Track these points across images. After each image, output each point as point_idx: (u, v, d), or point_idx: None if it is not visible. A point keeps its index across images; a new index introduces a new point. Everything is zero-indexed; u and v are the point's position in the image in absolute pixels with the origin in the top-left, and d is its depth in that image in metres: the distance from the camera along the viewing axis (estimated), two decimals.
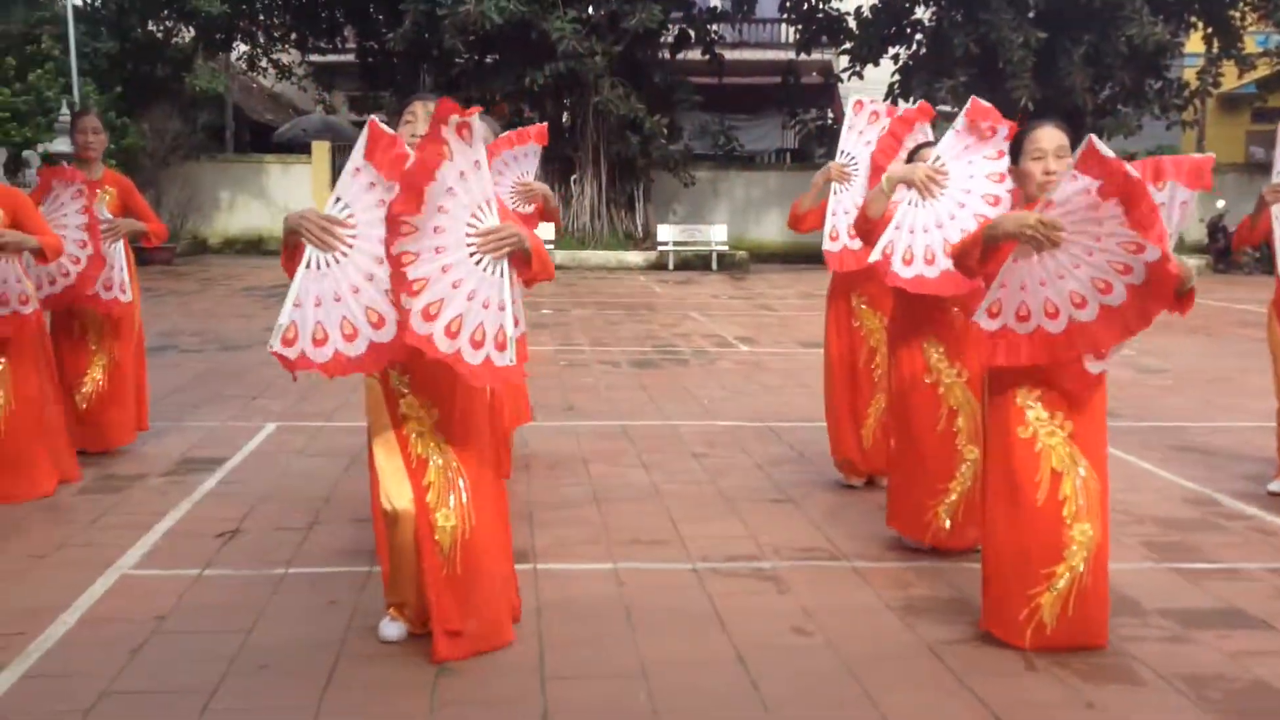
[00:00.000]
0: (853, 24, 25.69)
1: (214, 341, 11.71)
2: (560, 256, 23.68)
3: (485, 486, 3.94)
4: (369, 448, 3.94)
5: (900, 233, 4.94)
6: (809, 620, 4.25)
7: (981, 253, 3.96)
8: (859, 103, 6.25)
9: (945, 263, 4.81)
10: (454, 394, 3.88)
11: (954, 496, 4.96)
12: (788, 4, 26.35)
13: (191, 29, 26.78)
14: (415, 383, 3.87)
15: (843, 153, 6.16)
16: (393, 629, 4.00)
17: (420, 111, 3.93)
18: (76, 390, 6.62)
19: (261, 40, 29.44)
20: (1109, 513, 4.07)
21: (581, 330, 13.25)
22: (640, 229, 25.60)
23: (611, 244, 24.80)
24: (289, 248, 3.79)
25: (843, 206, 6.07)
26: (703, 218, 26.31)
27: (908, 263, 4.90)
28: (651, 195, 26.09)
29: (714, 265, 23.78)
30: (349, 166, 3.73)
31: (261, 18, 29.08)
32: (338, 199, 3.73)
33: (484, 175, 3.59)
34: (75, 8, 22.60)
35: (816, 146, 27.97)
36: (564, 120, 25.31)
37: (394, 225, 3.52)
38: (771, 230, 27.16)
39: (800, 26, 26.53)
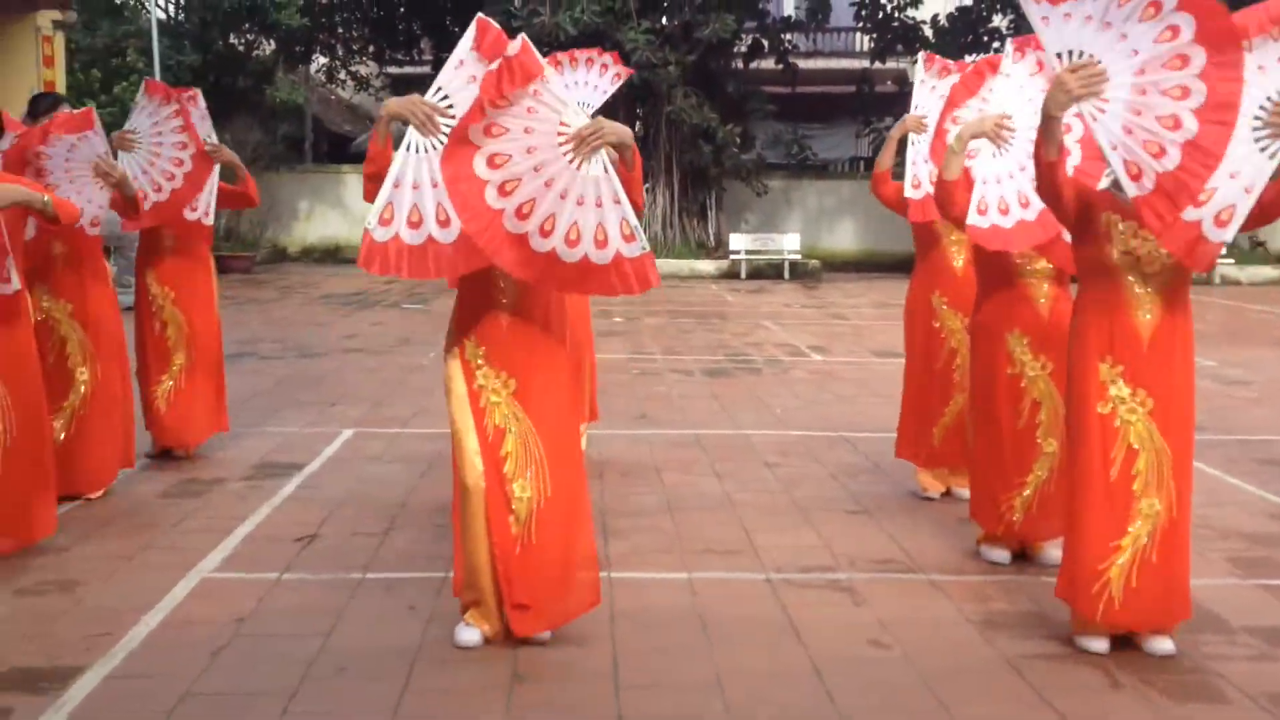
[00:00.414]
0: (929, 32, 25.49)
1: (293, 348, 11.89)
2: None
3: (563, 458, 4.01)
4: (450, 422, 4.02)
5: (987, 186, 4.84)
6: (885, 633, 4.20)
7: (1049, 143, 3.88)
8: (930, 57, 6.26)
9: (1032, 209, 4.70)
10: (532, 364, 3.97)
11: (1029, 491, 4.91)
12: (862, 13, 26.21)
13: (272, 42, 27.23)
14: (491, 354, 3.96)
15: (916, 106, 6.12)
16: (469, 634, 4.02)
17: None
18: (156, 387, 6.76)
19: (340, 53, 29.96)
20: (1189, 496, 4.03)
21: (653, 338, 13.25)
22: (712, 238, 25.57)
23: (683, 253, 24.79)
24: (382, 136, 3.94)
25: (921, 155, 6.02)
26: (775, 226, 26.20)
27: (1004, 212, 4.79)
28: (724, 204, 26.04)
29: (786, 274, 23.67)
30: (452, 59, 3.88)
31: (340, 31, 29.61)
32: (438, 89, 3.90)
33: (557, 83, 3.75)
34: (159, 21, 23.09)
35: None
36: (637, 129, 25.36)
37: (475, 118, 3.64)
38: (845, 239, 27.00)
39: (875, 35, 26.38)
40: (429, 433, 7.51)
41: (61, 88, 18.83)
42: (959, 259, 5.88)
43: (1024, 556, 5.05)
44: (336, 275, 22.40)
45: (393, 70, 31.67)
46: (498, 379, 3.97)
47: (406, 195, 3.83)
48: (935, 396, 5.96)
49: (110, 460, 5.99)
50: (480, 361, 3.97)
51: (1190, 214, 3.70)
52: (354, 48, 30.11)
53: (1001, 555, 5.03)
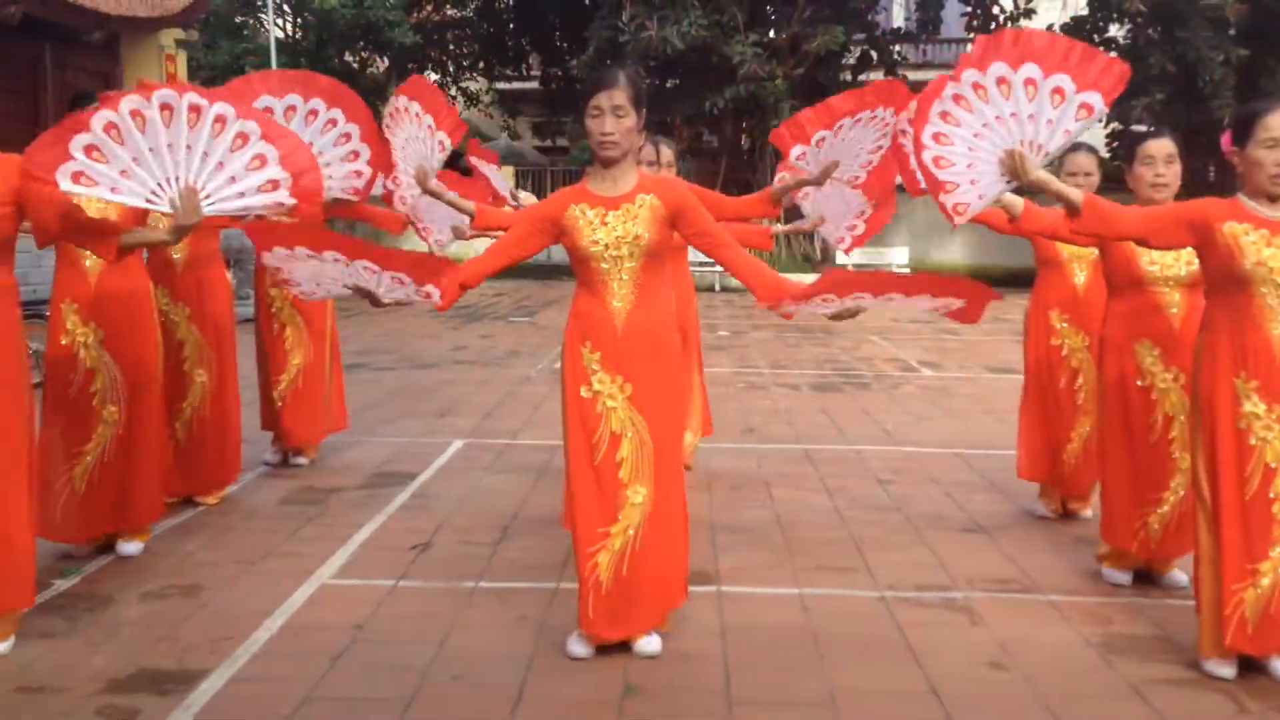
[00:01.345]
0: None
1: (404, 360, 12.08)
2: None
3: (669, 464, 4.04)
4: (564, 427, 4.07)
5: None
6: (1004, 654, 4.11)
7: (1065, 204, 4.14)
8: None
9: None
10: (647, 369, 3.99)
11: (1166, 507, 4.74)
12: (974, 24, 25.87)
13: (385, 59, 27.82)
14: (606, 359, 3.98)
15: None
16: (581, 647, 4.04)
17: (605, 104, 3.90)
18: (274, 389, 6.90)
19: (451, 69, 30.50)
20: None
21: (759, 352, 13.21)
22: (818, 251, 25.44)
23: (789, 266, 24.65)
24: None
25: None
26: (883, 240, 25.93)
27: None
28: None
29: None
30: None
31: (451, 48, 30.13)
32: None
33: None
34: (277, 40, 23.76)
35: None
36: (743, 143, 25.35)
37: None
38: (954, 253, 26.65)
39: None
40: (538, 444, 7.56)
41: None
42: (1080, 276, 5.73)
43: (1146, 578, 4.92)
44: None
45: (501, 86, 32.15)
46: (614, 383, 3.99)
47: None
48: (1059, 420, 5.78)
49: (226, 462, 6.15)
50: (596, 366, 4.00)
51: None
52: (464, 64, 30.66)
53: (1123, 577, 4.90)
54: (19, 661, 3.94)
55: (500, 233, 4.78)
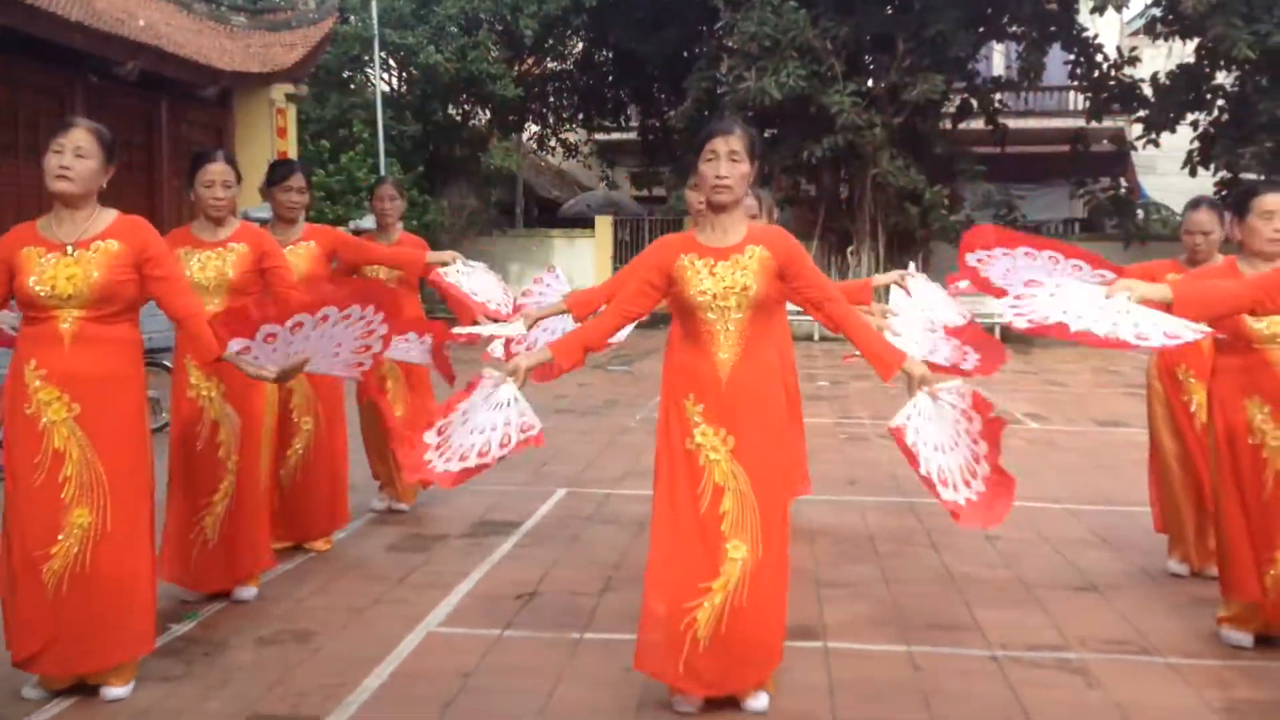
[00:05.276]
0: (1147, 91, 24.63)
1: None
2: None
3: (774, 520, 3.98)
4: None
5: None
6: (1122, 717, 4.00)
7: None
8: None
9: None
10: (751, 422, 3.96)
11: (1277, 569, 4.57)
12: (1077, 71, 25.57)
13: (487, 111, 28.35)
14: (709, 411, 3.96)
15: None
16: (687, 704, 4.00)
17: (721, 148, 3.90)
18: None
19: (551, 121, 31.05)
20: None
21: (861, 403, 13.09)
22: None
23: None
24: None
25: None
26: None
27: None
28: (931, 266, 25.63)
29: (998, 338, 23.07)
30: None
31: (551, 100, 30.66)
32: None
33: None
34: (383, 94, 24.39)
35: (1107, 217, 26.86)
36: (842, 193, 25.29)
37: None
38: None
39: (1090, 94, 25.69)
40: (640, 494, 7.55)
41: (293, 156, 19.93)
42: None
43: (1268, 640, 4.75)
44: None
45: (600, 137, 32.63)
46: (716, 436, 3.96)
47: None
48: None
49: (336, 509, 6.23)
50: (699, 419, 3.98)
51: None
52: (564, 116, 31.19)
53: (1244, 639, 4.73)
54: (138, 705, 4.03)
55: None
